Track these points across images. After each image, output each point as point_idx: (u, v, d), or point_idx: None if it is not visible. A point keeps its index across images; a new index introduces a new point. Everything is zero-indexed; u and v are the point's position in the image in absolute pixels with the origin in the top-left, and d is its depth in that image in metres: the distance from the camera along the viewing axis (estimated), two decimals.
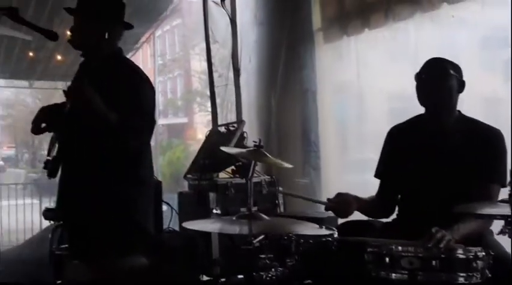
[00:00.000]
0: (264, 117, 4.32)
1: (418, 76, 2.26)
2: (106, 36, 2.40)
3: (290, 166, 2.26)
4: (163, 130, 23.96)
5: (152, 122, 2.44)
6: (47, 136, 2.47)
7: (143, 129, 2.34)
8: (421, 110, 2.32)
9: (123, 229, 2.30)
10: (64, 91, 2.30)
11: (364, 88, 3.89)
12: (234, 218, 1.94)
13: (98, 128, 2.21)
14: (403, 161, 2.35)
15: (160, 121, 23.20)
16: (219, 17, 4.70)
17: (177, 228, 3.83)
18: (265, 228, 1.89)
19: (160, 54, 25.11)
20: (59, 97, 2.45)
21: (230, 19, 4.76)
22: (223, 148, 2.24)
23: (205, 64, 4.76)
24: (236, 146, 4.11)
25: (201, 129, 22.98)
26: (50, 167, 2.34)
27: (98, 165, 2.30)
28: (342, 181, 4.02)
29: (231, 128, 4.21)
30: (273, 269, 2.14)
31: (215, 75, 4.46)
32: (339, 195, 2.33)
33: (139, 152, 2.41)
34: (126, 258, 2.25)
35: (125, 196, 2.32)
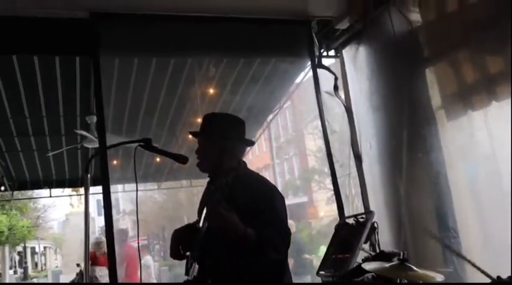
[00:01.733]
0: (392, 206, 4.11)
1: None
2: (230, 155, 2.47)
3: (442, 277, 2.06)
4: None
5: (288, 232, 2.41)
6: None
7: (282, 241, 2.32)
8: None
9: None
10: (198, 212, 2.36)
11: (501, 165, 3.59)
12: None
13: (238, 246, 2.21)
14: None
15: None
16: (334, 105, 4.71)
17: None
18: None
19: (275, 137, 25.82)
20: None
21: (345, 107, 4.74)
22: (364, 265, 2.11)
23: (319, 142, 4.67)
24: (367, 239, 3.94)
25: (322, 207, 22.78)
26: None
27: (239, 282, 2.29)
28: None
29: (360, 219, 4.05)
30: None
31: (336, 165, 4.39)
32: None
33: (281, 264, 2.38)
34: None
35: None
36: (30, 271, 29.09)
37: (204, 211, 2.45)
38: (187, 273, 2.43)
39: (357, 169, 4.50)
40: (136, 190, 2.64)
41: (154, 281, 10.12)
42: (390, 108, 4.33)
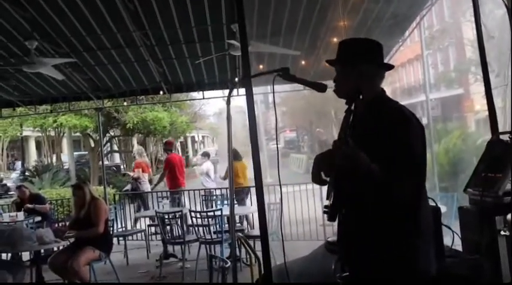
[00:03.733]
0: None
1: None
2: (367, 81, 2.38)
3: None
4: (436, 104, 23.03)
5: (424, 164, 2.32)
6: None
7: (413, 175, 2.25)
8: None
9: (405, 277, 2.27)
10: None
11: None
12: None
13: (366, 183, 2.21)
14: None
15: (432, 95, 22.38)
16: (492, 8, 4.20)
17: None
18: None
19: (428, 26, 24.09)
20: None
21: (507, 7, 4.20)
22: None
23: None
24: None
25: (478, 100, 21.32)
26: (330, 212, 2.43)
27: (373, 212, 2.31)
28: None
29: None
30: None
31: (491, 75, 3.99)
32: None
33: (417, 193, 2.34)
34: None
35: (405, 247, 2.27)
36: (190, 158, 32.08)
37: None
38: (327, 197, 2.50)
39: None
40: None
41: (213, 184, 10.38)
42: None
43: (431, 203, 3.09)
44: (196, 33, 6.70)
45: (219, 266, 3.44)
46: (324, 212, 2.46)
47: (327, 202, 2.48)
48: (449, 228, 3.51)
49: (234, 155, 8.36)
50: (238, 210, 7.66)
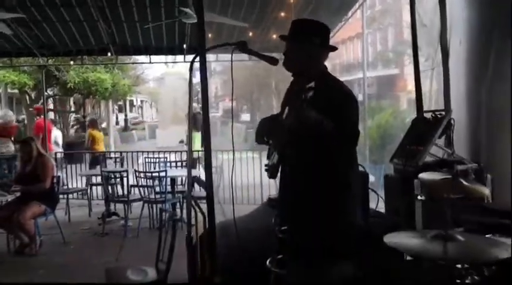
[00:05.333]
0: (473, 103, 4.22)
1: None
2: (314, 59, 2.75)
3: (487, 191, 2.32)
4: (373, 82, 23.96)
5: (357, 131, 2.73)
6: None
7: (351, 136, 2.65)
8: None
9: (335, 227, 2.68)
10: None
11: None
12: (429, 237, 2.13)
13: (315, 135, 2.56)
14: None
15: (370, 73, 23.23)
16: None
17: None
18: (462, 255, 2.01)
19: (370, 5, 24.76)
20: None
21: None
22: (421, 176, 2.40)
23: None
24: (442, 134, 4.16)
25: (411, 81, 22.36)
26: (271, 171, 2.80)
27: (313, 171, 2.70)
28: None
29: (438, 116, 4.23)
30: (469, 278, 2.29)
31: (421, 59, 4.45)
32: None
33: (350, 156, 2.74)
34: (335, 255, 2.63)
35: (336, 200, 2.68)
36: (129, 123, 31.74)
37: (287, 108, 2.79)
38: (268, 157, 2.86)
39: (443, 64, 4.54)
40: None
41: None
42: (485, 2, 4.24)
43: (361, 169, 3.53)
44: None
45: (168, 219, 3.75)
46: (266, 170, 2.84)
47: (268, 162, 2.86)
48: (375, 192, 3.99)
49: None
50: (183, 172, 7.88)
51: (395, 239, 2.20)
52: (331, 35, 8.26)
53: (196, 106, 17.47)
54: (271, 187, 4.07)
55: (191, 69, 2.73)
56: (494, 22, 4.11)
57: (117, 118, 31.37)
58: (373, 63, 26.19)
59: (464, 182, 2.25)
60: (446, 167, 2.93)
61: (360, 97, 11.28)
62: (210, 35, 7.73)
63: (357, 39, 25.73)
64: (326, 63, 2.88)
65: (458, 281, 2.20)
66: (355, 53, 27.64)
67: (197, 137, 9.29)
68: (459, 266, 2.27)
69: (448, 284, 2.26)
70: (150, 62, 9.73)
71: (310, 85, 2.72)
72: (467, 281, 2.20)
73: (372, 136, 10.22)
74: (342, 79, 2.90)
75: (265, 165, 2.87)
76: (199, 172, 7.61)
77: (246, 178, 8.70)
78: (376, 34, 26.75)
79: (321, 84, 2.72)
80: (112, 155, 9.76)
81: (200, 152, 8.77)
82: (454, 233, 2.13)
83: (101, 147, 10.63)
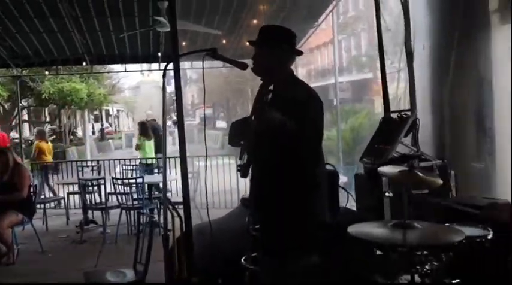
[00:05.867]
0: (437, 105, 4.42)
1: None
2: (281, 64, 2.89)
3: (440, 182, 2.48)
4: (347, 86, 24.32)
5: (320, 131, 2.87)
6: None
7: (314, 135, 2.79)
8: None
9: (302, 225, 2.82)
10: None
11: None
12: (389, 226, 2.29)
13: (280, 136, 2.69)
14: None
15: (344, 78, 23.57)
16: (392, 5, 4.84)
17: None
18: (421, 241, 2.17)
19: (343, 11, 25.15)
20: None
21: (403, 5, 4.86)
22: (381, 169, 2.56)
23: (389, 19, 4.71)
24: (408, 132, 4.35)
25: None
26: (243, 170, 2.93)
27: (279, 171, 2.83)
28: None
29: (404, 115, 4.42)
30: (428, 264, 2.44)
31: (387, 62, 4.65)
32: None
33: (315, 156, 2.88)
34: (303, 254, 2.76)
35: (302, 199, 2.81)
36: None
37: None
38: (240, 158, 2.99)
39: (408, 66, 4.74)
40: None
41: None
42: (446, 9, 4.46)
43: (331, 168, 3.70)
44: (122, 7, 6.89)
45: (146, 222, 3.85)
46: (238, 170, 2.96)
47: (240, 162, 2.98)
48: (345, 190, 4.15)
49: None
50: (159, 178, 7.95)
51: (359, 229, 2.35)
52: (303, 41, 8.50)
53: (173, 115, 17.49)
54: (247, 190, 4.20)
55: (164, 76, 2.85)
56: (454, 27, 4.34)
57: (93, 127, 31.15)
58: (347, 67, 26.58)
59: (420, 174, 2.41)
60: (407, 162, 3.10)
61: (333, 102, 11.54)
62: (184, 43, 7.86)
63: (331, 44, 26.02)
64: (301, 68, 3.03)
65: (418, 267, 2.36)
66: (329, 59, 27.96)
67: (147, 145, 9.15)
68: (419, 253, 2.42)
69: (409, 270, 2.40)
70: (126, 71, 9.80)
71: (270, 88, 2.89)
72: (426, 267, 2.36)
73: (346, 139, 10.45)
74: (316, 84, 3.07)
75: (238, 165, 3.00)
76: (175, 177, 7.65)
77: (223, 183, 8.80)
78: (350, 39, 27.13)
79: (284, 86, 2.87)
80: (89, 164, 9.75)
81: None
82: (412, 222, 2.28)
83: (48, 158, 10.28)
